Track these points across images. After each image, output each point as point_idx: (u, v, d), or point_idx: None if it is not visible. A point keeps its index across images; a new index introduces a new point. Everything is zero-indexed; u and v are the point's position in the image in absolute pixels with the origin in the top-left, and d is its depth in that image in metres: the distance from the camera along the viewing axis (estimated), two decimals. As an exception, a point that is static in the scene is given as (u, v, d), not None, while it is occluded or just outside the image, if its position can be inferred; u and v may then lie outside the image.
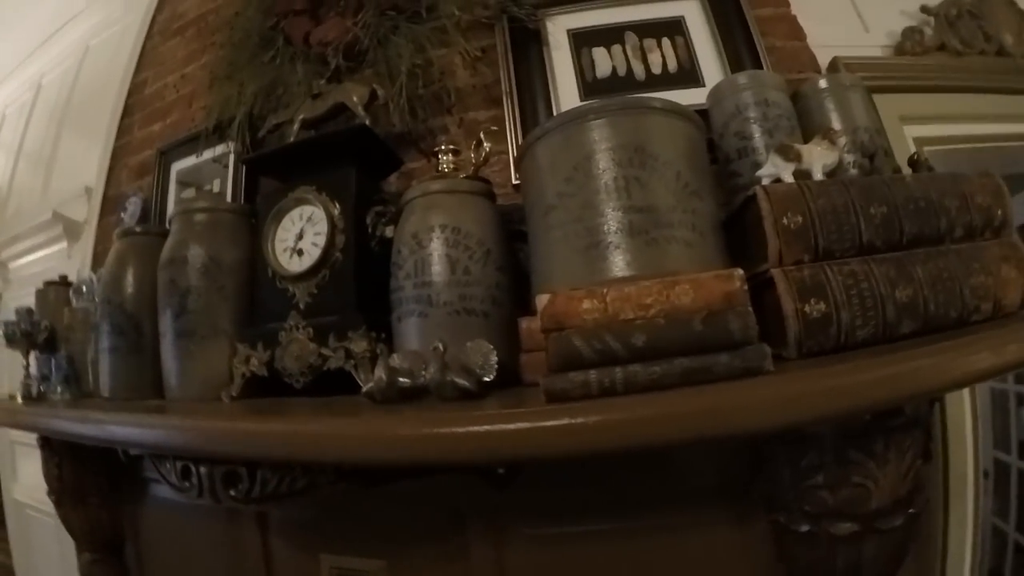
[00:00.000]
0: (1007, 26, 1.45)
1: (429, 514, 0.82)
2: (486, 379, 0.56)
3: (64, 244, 1.58)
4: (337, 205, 0.75)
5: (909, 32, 1.35)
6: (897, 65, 1.31)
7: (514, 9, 0.96)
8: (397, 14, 1.00)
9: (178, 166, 1.31)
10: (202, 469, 0.64)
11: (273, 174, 0.87)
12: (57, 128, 1.90)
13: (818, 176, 0.64)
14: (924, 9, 1.38)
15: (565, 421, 0.46)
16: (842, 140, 0.67)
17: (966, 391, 1.08)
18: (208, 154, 1.23)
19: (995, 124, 1.38)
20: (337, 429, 0.53)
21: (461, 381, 0.55)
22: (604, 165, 0.64)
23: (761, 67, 0.96)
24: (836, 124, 0.76)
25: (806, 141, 0.70)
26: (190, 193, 1.25)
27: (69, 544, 1.58)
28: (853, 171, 0.73)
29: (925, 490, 0.70)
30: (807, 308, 0.57)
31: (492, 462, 0.52)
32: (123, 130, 1.57)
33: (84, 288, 1.25)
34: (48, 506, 1.62)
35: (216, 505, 0.67)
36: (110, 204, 1.50)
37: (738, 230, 0.70)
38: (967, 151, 1.38)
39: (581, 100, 0.91)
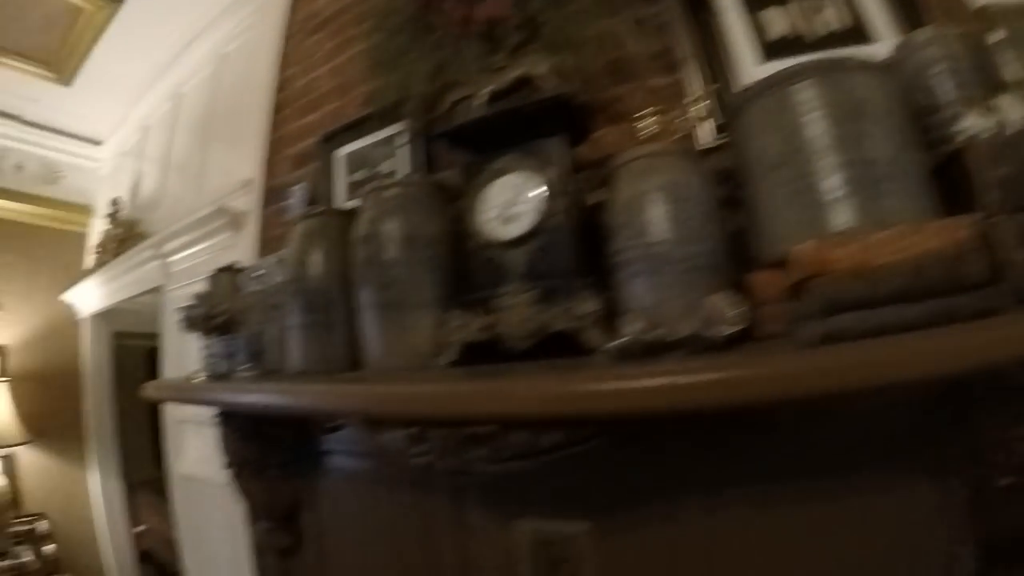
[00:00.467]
0: None
1: (637, 476, 0.88)
2: (732, 331, 0.60)
3: (223, 236, 1.74)
4: (548, 172, 0.81)
5: None
6: None
7: None
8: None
9: (343, 151, 1.42)
10: (438, 434, 0.71)
11: (467, 146, 0.94)
12: (205, 130, 2.10)
13: (1018, 126, 0.63)
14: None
15: (840, 359, 0.50)
16: None
17: None
18: (373, 138, 1.33)
19: None
20: (617, 383, 0.58)
21: (711, 334, 0.59)
22: (822, 123, 0.67)
23: (921, 22, 0.93)
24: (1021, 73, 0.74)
25: (995, 92, 0.69)
26: (361, 175, 1.36)
27: (234, 513, 1.75)
28: None
29: None
30: None
31: (768, 404, 0.54)
32: (277, 124, 1.72)
33: (258, 272, 1.38)
34: (213, 479, 1.81)
35: (448, 469, 0.74)
36: (271, 194, 1.66)
37: (945, 181, 0.70)
38: None
39: (760, 62, 0.93)
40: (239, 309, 1.38)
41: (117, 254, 2.38)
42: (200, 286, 1.67)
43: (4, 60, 2.41)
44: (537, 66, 0.95)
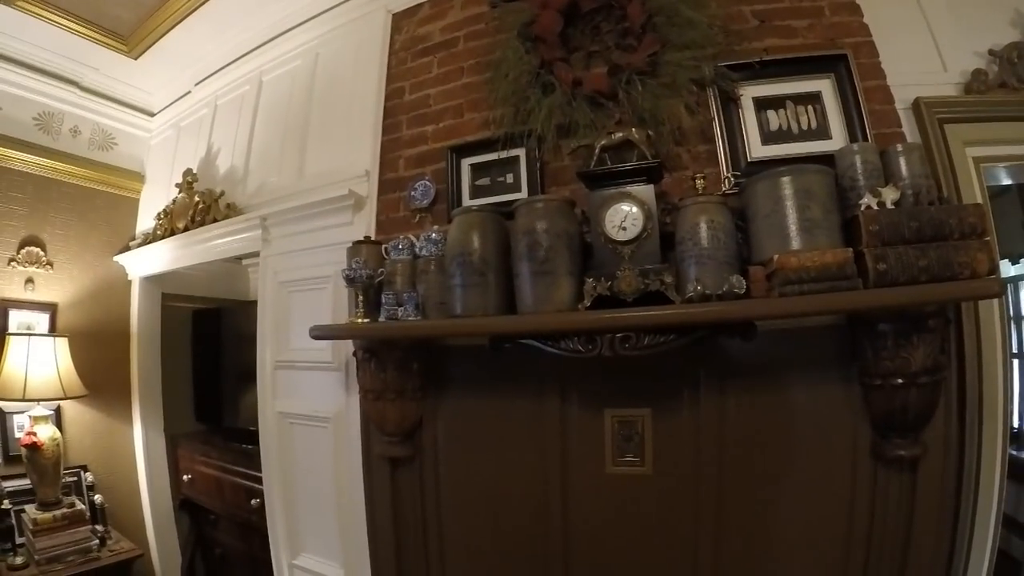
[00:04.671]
0: (1060, 64, 2.43)
1: (677, 377, 1.98)
2: (740, 291, 1.69)
3: (342, 215, 2.71)
4: (644, 204, 1.88)
5: (976, 74, 2.36)
6: (964, 101, 2.35)
7: (723, 82, 2.10)
8: (640, 75, 2.13)
9: (468, 161, 2.47)
10: (604, 337, 1.78)
11: (589, 179, 2.00)
12: (297, 120, 3.05)
13: (888, 205, 1.72)
14: (991, 52, 2.40)
15: (785, 301, 1.61)
16: (902, 185, 1.76)
17: (999, 371, 2.11)
18: (494, 155, 2.40)
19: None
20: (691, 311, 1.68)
21: (737, 290, 1.68)
22: (791, 197, 1.77)
23: (865, 124, 2.04)
24: (903, 173, 1.83)
25: (883, 183, 1.79)
26: (483, 182, 2.44)
27: (333, 442, 2.72)
28: (910, 201, 1.80)
29: (945, 369, 1.80)
30: (879, 266, 1.67)
31: (756, 319, 1.69)
32: (389, 128, 2.72)
33: (400, 246, 2.36)
34: (314, 414, 2.78)
35: (607, 355, 1.80)
36: (385, 185, 2.66)
37: (849, 229, 1.79)
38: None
39: (762, 145, 2.06)
40: (390, 272, 2.37)
41: (196, 221, 3.29)
42: (314, 255, 2.67)
43: (78, 28, 3.26)
44: (634, 133, 2.01)
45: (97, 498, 3.52)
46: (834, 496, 1.93)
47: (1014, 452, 4.14)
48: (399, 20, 2.87)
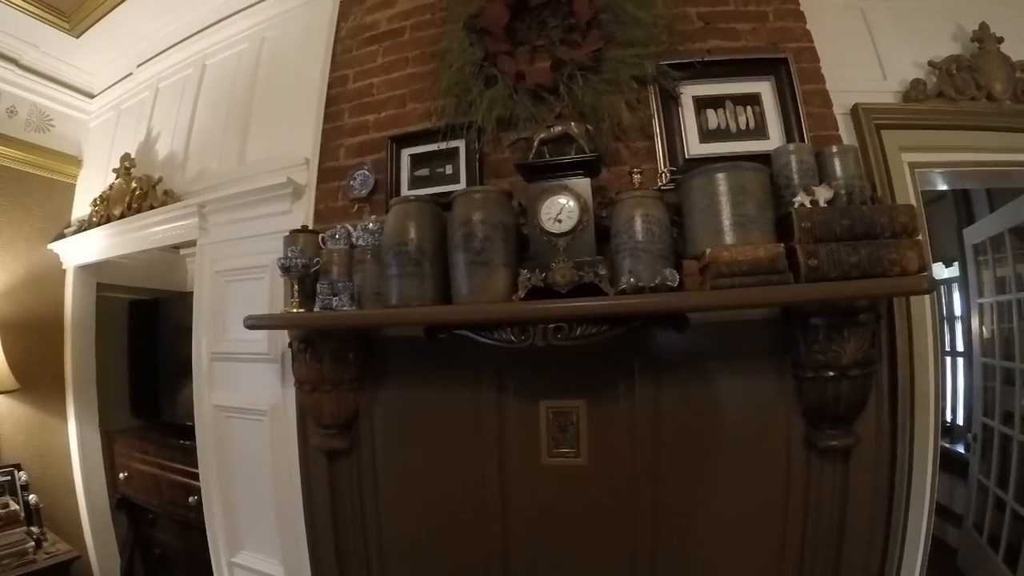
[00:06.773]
0: (997, 77, 2.48)
1: (612, 368, 1.94)
2: (672, 284, 1.65)
3: (281, 203, 2.61)
4: (580, 196, 1.84)
5: (915, 83, 2.40)
6: (902, 109, 2.38)
7: (665, 81, 2.08)
8: (583, 71, 2.09)
9: (408, 151, 2.40)
10: (537, 328, 1.72)
11: (527, 171, 1.95)
12: (240, 105, 2.95)
13: (822, 203, 1.71)
14: (931, 63, 2.44)
15: (716, 294, 1.59)
16: (836, 184, 1.75)
17: (931, 368, 2.14)
18: (435, 146, 2.33)
19: (979, 153, 2.42)
20: (618, 301, 1.63)
21: (670, 283, 1.64)
22: (725, 193, 1.74)
23: (803, 126, 2.03)
24: (838, 174, 1.82)
25: (817, 183, 1.78)
26: (423, 172, 2.37)
27: (271, 434, 2.62)
28: (843, 200, 1.79)
29: (876, 363, 1.80)
30: (810, 261, 1.65)
31: (688, 311, 1.67)
32: (331, 116, 2.63)
33: (337, 235, 2.28)
34: (252, 406, 2.67)
35: (542, 346, 1.75)
36: (327, 173, 2.57)
37: (783, 226, 1.78)
38: (960, 172, 2.47)
39: (700, 142, 2.04)
40: (326, 261, 2.28)
41: (133, 207, 3.14)
42: (252, 244, 2.57)
43: (19, 2, 3.07)
44: (574, 127, 1.97)
45: (32, 498, 3.33)
46: (769, 484, 1.94)
47: (946, 445, 4.27)
48: (347, 7, 2.77)
